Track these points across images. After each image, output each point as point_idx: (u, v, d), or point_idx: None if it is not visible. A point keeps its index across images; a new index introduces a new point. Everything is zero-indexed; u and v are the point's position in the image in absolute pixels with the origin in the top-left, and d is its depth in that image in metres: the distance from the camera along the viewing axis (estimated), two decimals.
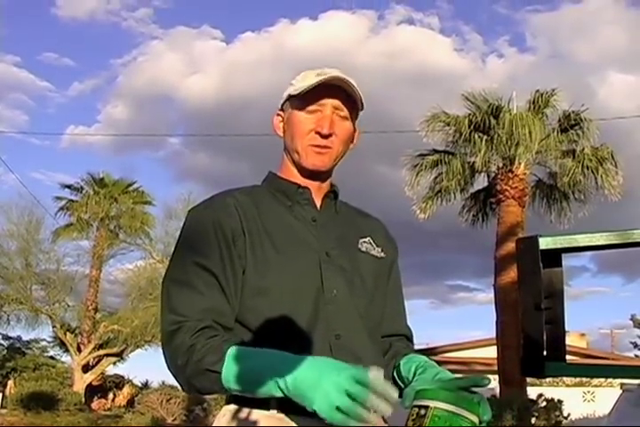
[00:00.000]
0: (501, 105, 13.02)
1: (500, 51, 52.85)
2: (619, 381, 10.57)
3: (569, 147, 13.27)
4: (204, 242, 1.26)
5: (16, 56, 46.88)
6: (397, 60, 42.57)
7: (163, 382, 21.15)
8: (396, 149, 16.52)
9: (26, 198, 19.72)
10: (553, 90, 13.07)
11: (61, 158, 45.53)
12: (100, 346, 20.03)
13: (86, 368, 19.93)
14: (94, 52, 47.73)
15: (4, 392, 20.91)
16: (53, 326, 20.10)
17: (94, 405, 21.08)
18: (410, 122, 15.08)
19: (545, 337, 0.81)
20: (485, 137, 12.90)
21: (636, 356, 23.31)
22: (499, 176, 13.04)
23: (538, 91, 13.05)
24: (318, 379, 0.97)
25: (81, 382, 19.30)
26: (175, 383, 1.23)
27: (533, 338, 0.81)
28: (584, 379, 18.04)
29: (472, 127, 12.96)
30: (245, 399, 1.15)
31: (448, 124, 13.26)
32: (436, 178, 13.67)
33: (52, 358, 26.19)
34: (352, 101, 1.35)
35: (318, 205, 1.38)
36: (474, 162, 13.17)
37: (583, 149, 13.01)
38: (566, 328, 0.83)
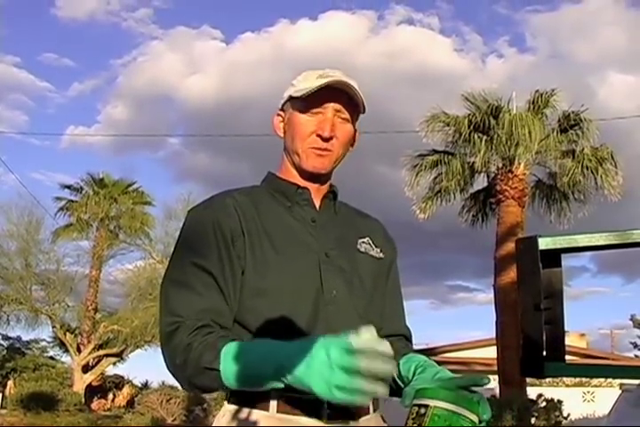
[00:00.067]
0: (501, 105, 13.02)
1: (500, 51, 52.91)
2: (618, 381, 10.56)
3: (569, 147, 13.26)
4: (202, 242, 1.26)
5: (16, 56, 46.85)
6: (397, 61, 42.62)
7: (162, 383, 21.19)
8: (396, 149, 16.54)
9: (26, 199, 19.79)
10: (553, 90, 13.08)
11: (61, 159, 45.59)
12: (100, 346, 20.02)
13: (86, 369, 19.92)
14: (94, 52, 47.84)
15: (3, 393, 20.91)
16: (53, 327, 20.10)
17: (94, 405, 21.07)
18: (410, 122, 15.10)
19: (544, 337, 0.81)
20: (485, 137, 12.90)
21: (636, 356, 23.30)
22: (498, 176, 13.04)
23: (537, 91, 13.05)
24: (310, 362, 0.95)
25: (81, 382, 19.29)
26: (175, 384, 1.23)
27: (533, 338, 0.81)
28: (584, 379, 18.05)
29: (472, 127, 12.95)
30: (245, 394, 1.15)
31: (448, 125, 13.26)
32: (435, 178, 13.68)
33: (51, 358, 26.20)
34: (354, 104, 1.35)
35: (317, 206, 1.38)
36: (473, 162, 13.17)
37: (583, 150, 13.01)
38: (566, 328, 0.83)
